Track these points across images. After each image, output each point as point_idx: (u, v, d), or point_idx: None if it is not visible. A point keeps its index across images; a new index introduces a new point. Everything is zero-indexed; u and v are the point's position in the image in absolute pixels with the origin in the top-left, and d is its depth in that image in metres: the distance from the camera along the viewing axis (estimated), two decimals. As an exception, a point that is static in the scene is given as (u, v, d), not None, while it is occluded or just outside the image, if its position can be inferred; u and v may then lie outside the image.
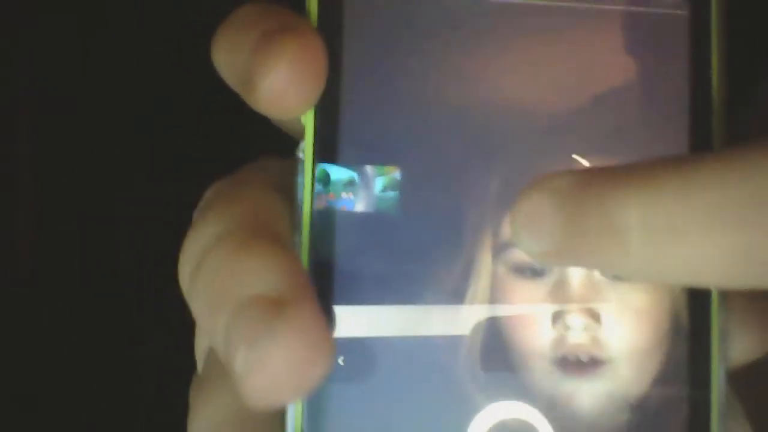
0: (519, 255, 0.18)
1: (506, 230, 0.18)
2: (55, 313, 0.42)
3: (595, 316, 0.18)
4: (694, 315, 0.18)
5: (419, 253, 0.16)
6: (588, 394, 0.18)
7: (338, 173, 0.15)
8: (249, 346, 0.11)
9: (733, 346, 0.18)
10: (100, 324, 0.43)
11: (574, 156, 0.18)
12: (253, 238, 0.13)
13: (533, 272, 0.18)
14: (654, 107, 0.18)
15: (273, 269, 0.12)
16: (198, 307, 0.14)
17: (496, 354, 0.18)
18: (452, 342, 0.17)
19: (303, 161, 0.14)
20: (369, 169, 0.15)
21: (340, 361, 0.15)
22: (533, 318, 0.18)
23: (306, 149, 0.15)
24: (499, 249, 0.18)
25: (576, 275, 0.18)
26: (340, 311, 0.15)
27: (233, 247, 0.13)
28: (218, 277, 0.12)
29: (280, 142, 0.17)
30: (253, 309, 0.12)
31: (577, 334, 0.18)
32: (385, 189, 0.16)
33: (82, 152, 0.43)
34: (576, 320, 0.18)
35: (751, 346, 0.18)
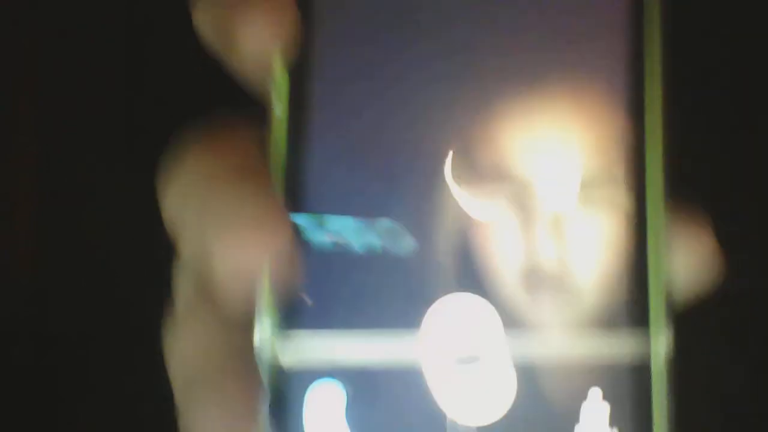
0: (487, 178, 0.19)
1: (474, 152, 0.19)
2: (54, 313, 0.42)
3: (562, 231, 0.18)
4: (652, 224, 0.18)
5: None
6: (549, 304, 0.18)
7: None
8: (217, 220, 0.14)
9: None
10: (99, 324, 0.43)
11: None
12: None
13: (500, 196, 0.19)
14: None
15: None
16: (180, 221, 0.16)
17: (457, 264, 0.18)
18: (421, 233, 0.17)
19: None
20: None
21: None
22: (500, 231, 0.19)
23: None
24: (468, 172, 0.19)
25: (538, 183, 0.19)
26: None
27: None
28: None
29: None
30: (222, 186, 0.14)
31: (544, 248, 0.18)
32: None
33: (81, 152, 0.43)
34: (544, 236, 0.18)
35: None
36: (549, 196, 0.19)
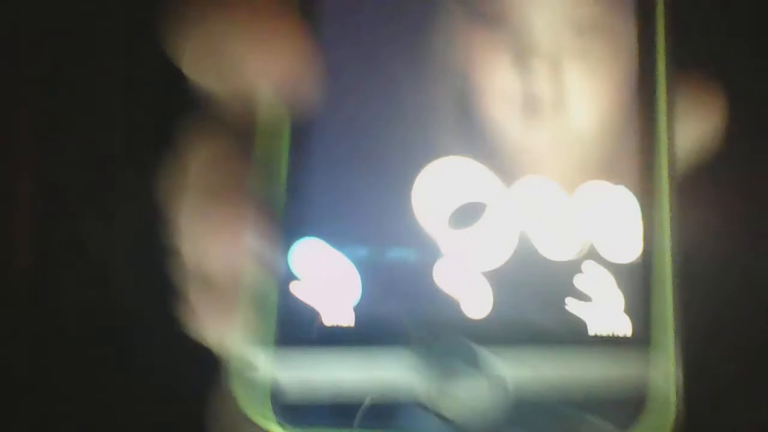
0: (479, 3, 0.19)
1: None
2: (54, 312, 0.42)
3: (557, 63, 0.18)
4: (643, 106, 0.18)
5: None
6: (543, 141, 0.18)
7: None
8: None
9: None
10: (99, 324, 0.43)
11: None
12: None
13: (494, 19, 0.19)
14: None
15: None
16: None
17: (455, 100, 0.18)
18: (413, 92, 0.17)
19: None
20: None
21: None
22: (492, 64, 0.18)
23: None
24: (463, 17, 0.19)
25: (536, 23, 0.18)
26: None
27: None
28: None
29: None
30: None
31: (537, 79, 0.18)
32: None
33: (81, 152, 0.43)
34: (535, 66, 0.18)
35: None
36: (548, 40, 0.18)
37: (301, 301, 0.16)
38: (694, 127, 0.19)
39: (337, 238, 0.16)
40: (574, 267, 0.17)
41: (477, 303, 0.16)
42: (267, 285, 0.15)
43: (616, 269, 0.16)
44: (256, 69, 0.15)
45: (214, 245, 0.15)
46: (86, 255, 0.44)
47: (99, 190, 0.41)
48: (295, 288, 0.16)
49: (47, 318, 0.42)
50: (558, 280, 0.17)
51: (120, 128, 0.42)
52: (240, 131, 0.16)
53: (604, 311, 0.16)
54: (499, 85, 0.19)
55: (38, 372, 0.42)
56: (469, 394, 0.15)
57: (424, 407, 0.15)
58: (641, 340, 0.15)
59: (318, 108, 0.16)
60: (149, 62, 0.45)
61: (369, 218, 0.16)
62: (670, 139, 0.17)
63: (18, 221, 0.41)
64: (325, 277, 0.16)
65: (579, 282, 0.17)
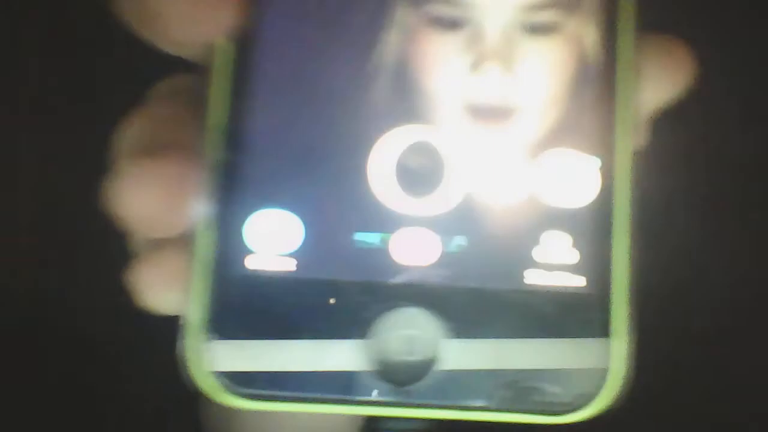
0: (437, 7, 0.19)
1: None
2: (54, 313, 0.42)
3: (509, 66, 0.18)
4: (604, 70, 0.18)
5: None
6: (499, 143, 0.18)
7: None
8: None
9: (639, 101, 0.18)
10: (99, 324, 0.42)
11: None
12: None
13: (450, 23, 0.19)
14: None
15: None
16: None
17: (412, 100, 0.18)
18: (364, 87, 0.17)
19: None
20: None
21: None
22: (449, 67, 0.18)
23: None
24: (416, 1, 0.19)
25: (492, 27, 0.18)
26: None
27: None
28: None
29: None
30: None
31: (493, 82, 0.18)
32: None
33: (81, 152, 0.41)
34: (491, 69, 0.18)
35: (656, 96, 0.19)
36: (501, 24, 0.18)
37: (246, 271, 0.15)
38: (654, 93, 0.19)
39: (287, 206, 0.16)
40: (528, 224, 0.17)
41: (420, 258, 0.16)
42: (215, 254, 0.15)
43: (565, 222, 0.17)
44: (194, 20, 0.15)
45: (159, 208, 0.15)
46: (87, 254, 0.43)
47: (98, 189, 0.40)
48: (244, 257, 0.16)
49: (47, 319, 0.42)
50: (510, 235, 0.17)
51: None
52: (185, 92, 0.16)
53: (551, 265, 0.16)
54: (451, 55, 0.19)
55: (37, 373, 0.41)
56: (410, 354, 0.15)
57: (367, 372, 0.15)
58: (592, 294, 0.16)
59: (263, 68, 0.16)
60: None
61: (322, 185, 0.16)
62: (631, 106, 0.18)
63: (18, 222, 0.41)
64: (276, 245, 0.16)
65: (528, 237, 0.17)
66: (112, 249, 0.17)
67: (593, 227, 0.16)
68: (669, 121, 0.19)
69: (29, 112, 0.41)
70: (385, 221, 0.16)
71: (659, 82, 0.19)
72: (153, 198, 0.14)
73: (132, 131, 0.15)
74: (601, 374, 0.15)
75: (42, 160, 0.40)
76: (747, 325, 0.33)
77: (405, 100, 0.18)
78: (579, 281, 0.16)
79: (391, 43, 0.19)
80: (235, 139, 0.15)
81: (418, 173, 0.17)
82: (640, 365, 0.15)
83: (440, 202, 0.17)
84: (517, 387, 0.15)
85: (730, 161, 0.33)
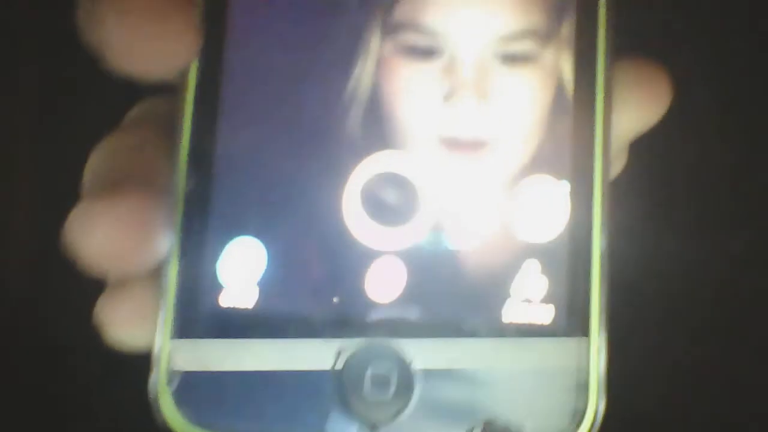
0: (412, 36, 0.18)
1: (399, 11, 0.18)
2: (54, 312, 0.41)
3: (484, 97, 0.18)
4: (579, 100, 0.18)
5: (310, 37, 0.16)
6: (473, 174, 0.18)
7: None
8: None
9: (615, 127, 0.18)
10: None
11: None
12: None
13: (424, 53, 0.18)
14: None
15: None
16: None
17: (384, 130, 0.18)
18: (339, 119, 0.17)
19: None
20: None
21: None
22: (424, 97, 0.18)
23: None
24: (390, 30, 0.18)
25: (466, 57, 0.18)
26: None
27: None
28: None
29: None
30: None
31: (467, 113, 0.18)
32: None
33: (81, 152, 0.41)
34: (466, 100, 0.18)
35: (632, 125, 0.19)
36: (476, 55, 0.18)
37: (214, 304, 0.15)
38: (632, 119, 0.19)
39: (256, 237, 0.15)
40: (499, 256, 0.17)
41: (390, 290, 0.16)
42: (182, 288, 0.15)
43: (539, 255, 0.17)
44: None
45: (119, 245, 0.14)
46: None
47: None
48: (212, 291, 0.15)
49: (47, 320, 0.41)
50: (480, 270, 0.17)
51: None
52: (155, 119, 0.16)
53: (524, 299, 0.16)
54: (426, 83, 0.19)
55: (37, 374, 0.40)
56: (379, 380, 0.15)
57: (331, 402, 0.14)
58: (563, 328, 0.16)
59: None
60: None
61: (292, 214, 0.16)
62: (608, 135, 0.18)
63: (18, 222, 0.40)
64: (245, 277, 0.15)
65: (502, 270, 0.17)
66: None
67: (567, 260, 0.16)
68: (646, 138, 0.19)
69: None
70: (355, 253, 0.16)
71: (637, 108, 0.19)
72: (112, 235, 0.14)
73: (97, 162, 0.15)
74: (577, 413, 0.15)
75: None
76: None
77: (378, 130, 0.18)
78: (552, 316, 0.16)
79: (365, 71, 0.18)
80: (204, 169, 0.15)
81: (390, 205, 0.17)
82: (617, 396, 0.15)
83: (412, 234, 0.17)
84: (491, 426, 0.15)
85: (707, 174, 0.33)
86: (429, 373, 0.15)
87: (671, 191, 0.33)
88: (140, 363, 0.15)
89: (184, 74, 0.15)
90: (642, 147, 0.19)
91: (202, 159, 0.15)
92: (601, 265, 0.16)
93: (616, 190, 0.18)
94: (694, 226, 0.35)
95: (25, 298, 0.45)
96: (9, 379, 0.41)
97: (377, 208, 0.16)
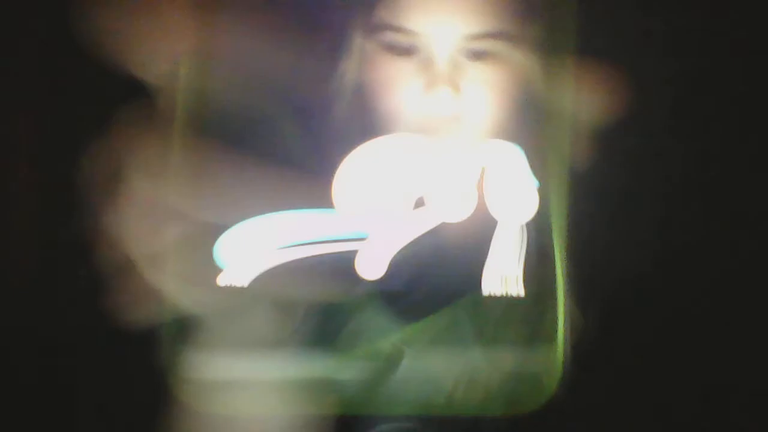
0: (391, 35, 0.20)
1: (380, 11, 0.21)
2: (54, 313, 0.40)
3: (456, 88, 0.21)
4: (544, 95, 0.20)
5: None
6: (449, 157, 0.20)
7: None
8: None
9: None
10: (98, 324, 0.41)
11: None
12: None
13: (404, 50, 0.21)
14: None
15: None
16: None
17: (365, 122, 0.20)
18: (324, 111, 0.19)
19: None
20: None
21: None
22: (404, 88, 0.20)
23: None
24: (372, 29, 0.21)
25: (440, 54, 0.21)
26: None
27: None
28: None
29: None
30: None
31: (442, 102, 0.21)
32: None
33: (81, 152, 0.40)
34: (441, 90, 0.20)
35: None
36: (447, 50, 0.20)
37: (216, 286, 0.17)
38: (591, 115, 0.21)
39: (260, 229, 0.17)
40: (476, 231, 0.18)
41: (375, 267, 0.17)
42: (187, 271, 0.16)
43: (513, 234, 0.18)
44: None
45: (141, 236, 0.15)
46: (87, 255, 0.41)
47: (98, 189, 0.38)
48: (215, 274, 0.17)
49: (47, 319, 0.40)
50: (459, 244, 0.18)
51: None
52: (162, 127, 0.17)
53: (500, 272, 0.18)
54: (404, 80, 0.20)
55: (37, 372, 0.39)
56: (375, 366, 0.16)
57: (331, 384, 0.16)
58: (534, 298, 0.17)
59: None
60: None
61: (291, 199, 0.17)
62: (568, 129, 0.19)
63: (18, 221, 0.39)
64: (246, 261, 0.16)
65: (479, 244, 0.18)
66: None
67: (534, 242, 0.18)
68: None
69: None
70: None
71: (595, 106, 0.21)
72: (131, 219, 0.15)
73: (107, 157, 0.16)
74: (542, 377, 0.17)
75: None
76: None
77: (365, 118, 0.20)
78: (521, 291, 0.18)
79: (350, 67, 0.20)
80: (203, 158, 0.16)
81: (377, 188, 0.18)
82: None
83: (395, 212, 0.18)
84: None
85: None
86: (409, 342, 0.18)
87: (630, 185, 0.35)
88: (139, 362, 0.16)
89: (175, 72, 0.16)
90: (604, 143, 0.21)
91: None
92: (566, 245, 0.18)
93: (578, 180, 0.19)
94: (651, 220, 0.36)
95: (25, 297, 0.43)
96: (8, 379, 0.40)
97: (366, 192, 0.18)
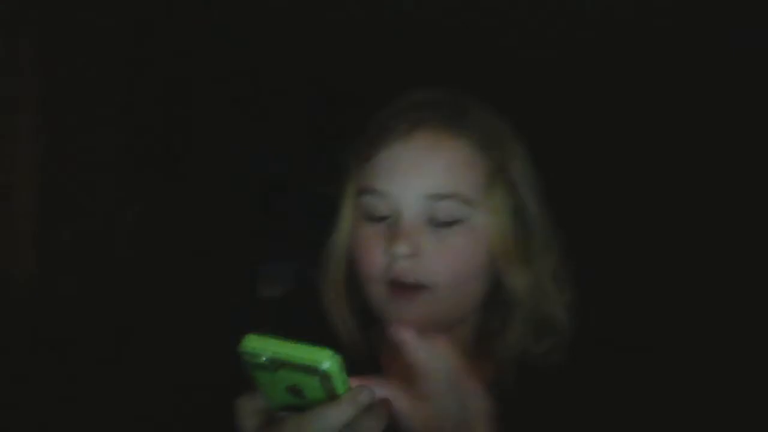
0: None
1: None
2: (54, 313, 0.42)
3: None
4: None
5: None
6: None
7: None
8: None
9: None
10: (98, 323, 0.43)
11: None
12: None
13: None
14: None
15: None
16: None
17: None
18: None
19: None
20: None
21: None
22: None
23: None
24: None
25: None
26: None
27: None
28: None
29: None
30: None
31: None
32: None
33: (82, 152, 0.42)
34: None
35: None
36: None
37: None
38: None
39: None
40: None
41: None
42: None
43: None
44: None
45: None
46: (86, 256, 0.43)
47: (98, 189, 0.39)
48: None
49: (47, 317, 0.41)
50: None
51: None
52: None
53: None
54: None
55: (37, 371, 0.41)
56: None
57: None
58: None
59: None
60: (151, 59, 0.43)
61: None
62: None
63: (18, 221, 0.40)
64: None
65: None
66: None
67: None
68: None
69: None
70: None
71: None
72: None
73: None
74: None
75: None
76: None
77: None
78: None
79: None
80: None
81: None
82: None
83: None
84: None
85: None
86: None
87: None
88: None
89: None
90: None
91: None
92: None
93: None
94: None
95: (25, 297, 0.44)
96: (8, 379, 0.41)
97: None
